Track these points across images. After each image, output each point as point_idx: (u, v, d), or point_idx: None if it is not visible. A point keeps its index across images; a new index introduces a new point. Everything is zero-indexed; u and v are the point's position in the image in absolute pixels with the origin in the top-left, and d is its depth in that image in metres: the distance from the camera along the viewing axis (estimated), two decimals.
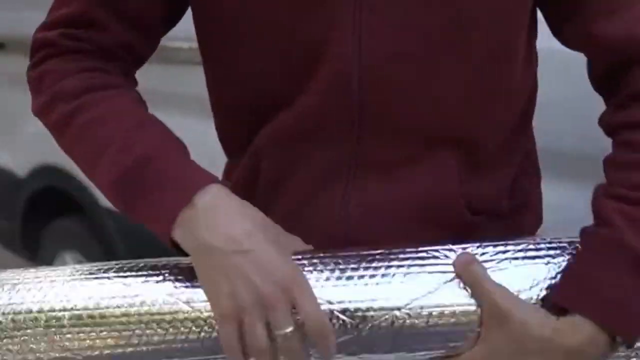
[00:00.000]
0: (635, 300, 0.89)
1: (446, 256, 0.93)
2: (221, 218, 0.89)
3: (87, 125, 0.96)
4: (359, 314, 0.90)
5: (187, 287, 0.92)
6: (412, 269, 0.92)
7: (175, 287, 0.93)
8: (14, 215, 3.15)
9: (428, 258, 0.93)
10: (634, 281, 0.89)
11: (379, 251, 0.94)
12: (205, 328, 0.91)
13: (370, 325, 0.90)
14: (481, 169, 1.03)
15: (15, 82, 3.16)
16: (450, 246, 0.94)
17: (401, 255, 0.93)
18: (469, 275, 0.92)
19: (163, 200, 0.91)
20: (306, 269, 0.92)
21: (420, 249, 0.94)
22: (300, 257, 0.93)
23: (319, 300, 0.89)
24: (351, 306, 0.90)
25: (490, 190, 1.05)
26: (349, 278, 0.92)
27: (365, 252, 0.94)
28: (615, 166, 0.95)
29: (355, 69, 0.95)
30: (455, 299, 0.91)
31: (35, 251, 3.19)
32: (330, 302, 0.90)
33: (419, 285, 0.91)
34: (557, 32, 1.02)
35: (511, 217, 1.08)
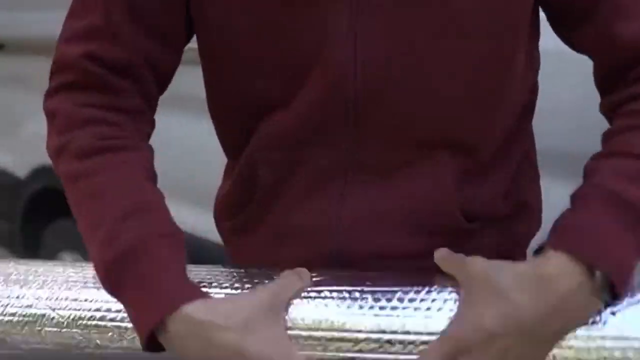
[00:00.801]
0: (609, 233, 0.86)
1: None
2: (195, 350, 0.86)
3: (86, 195, 0.94)
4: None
5: None
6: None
7: None
8: (14, 216, 3.15)
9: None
10: (608, 217, 0.86)
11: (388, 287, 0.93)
12: None
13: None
14: (478, 173, 1.02)
15: (15, 82, 3.17)
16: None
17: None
18: (448, 264, 0.91)
19: (137, 312, 0.89)
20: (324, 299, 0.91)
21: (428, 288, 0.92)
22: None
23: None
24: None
25: (487, 194, 1.04)
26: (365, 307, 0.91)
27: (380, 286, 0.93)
28: (612, 133, 0.94)
29: (351, 73, 0.94)
30: None
31: (35, 252, 3.19)
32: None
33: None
34: (567, 34, 1.00)
35: (507, 222, 1.07)
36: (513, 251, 1.09)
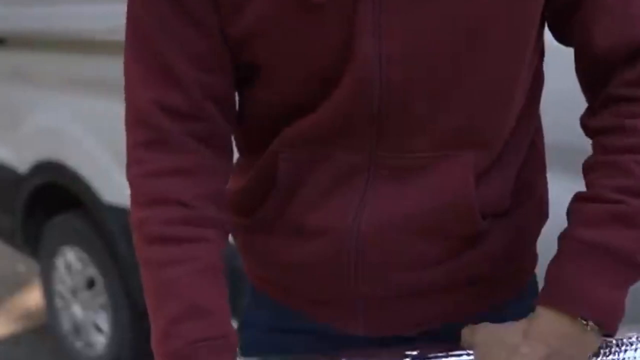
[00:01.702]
0: (585, 284, 0.93)
1: None
2: None
3: (151, 284, 0.98)
4: None
5: None
6: None
7: None
8: (15, 211, 3.15)
9: None
10: (590, 268, 0.93)
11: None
12: None
13: None
14: (491, 167, 1.02)
15: (16, 77, 3.17)
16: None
17: None
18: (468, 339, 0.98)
19: None
20: None
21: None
22: None
23: None
24: None
25: (498, 189, 1.04)
26: None
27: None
28: (589, 168, 0.98)
29: (376, 73, 0.93)
30: None
31: (36, 247, 3.19)
32: None
33: None
34: (555, 28, 1.01)
35: (513, 214, 1.06)
36: (521, 246, 1.10)
